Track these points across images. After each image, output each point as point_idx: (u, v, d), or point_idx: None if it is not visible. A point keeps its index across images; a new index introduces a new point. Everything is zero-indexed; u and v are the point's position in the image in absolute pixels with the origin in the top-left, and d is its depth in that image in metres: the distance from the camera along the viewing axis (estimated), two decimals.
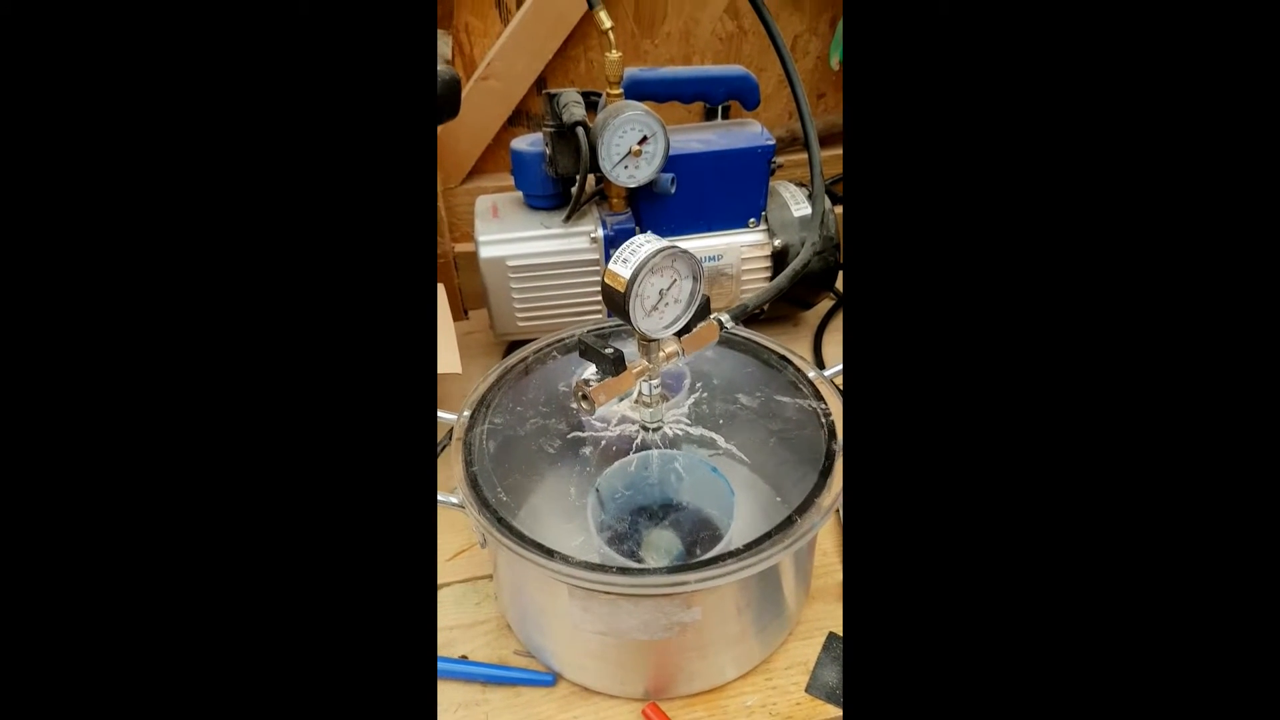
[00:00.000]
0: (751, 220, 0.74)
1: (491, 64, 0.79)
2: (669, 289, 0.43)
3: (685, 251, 0.42)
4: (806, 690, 0.47)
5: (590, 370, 0.45)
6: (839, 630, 0.51)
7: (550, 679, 0.48)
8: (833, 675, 0.48)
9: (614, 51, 0.63)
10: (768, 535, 0.40)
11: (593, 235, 0.69)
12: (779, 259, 0.74)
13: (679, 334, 0.46)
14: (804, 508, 0.41)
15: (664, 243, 0.42)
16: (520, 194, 0.73)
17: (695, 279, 0.44)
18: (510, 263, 0.69)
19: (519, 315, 0.72)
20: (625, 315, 0.42)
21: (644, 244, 0.42)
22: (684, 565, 0.40)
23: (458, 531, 0.59)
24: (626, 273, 0.41)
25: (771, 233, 0.74)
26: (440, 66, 0.65)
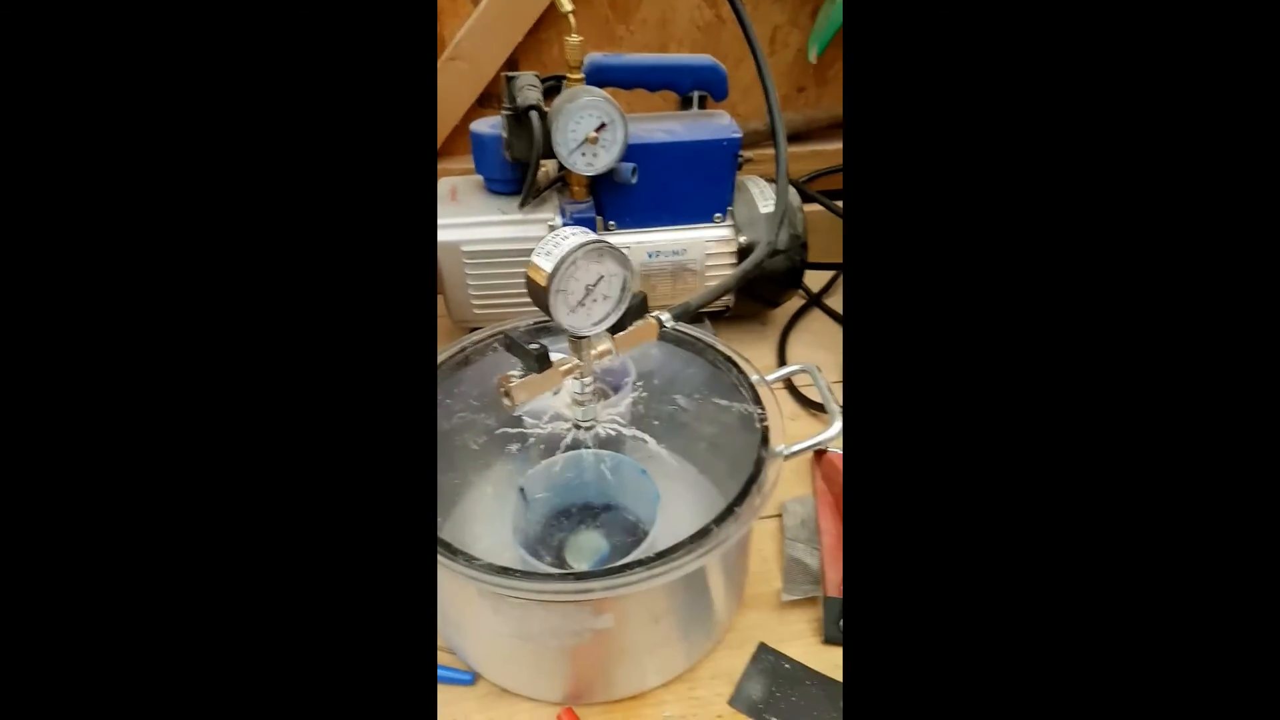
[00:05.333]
0: (717, 215, 0.72)
1: (460, 44, 0.77)
2: (596, 285, 0.42)
3: (613, 246, 0.41)
4: (730, 703, 0.46)
5: (519, 366, 0.43)
6: (770, 641, 0.49)
7: (469, 678, 0.47)
8: (757, 688, 0.47)
9: (574, 35, 0.61)
10: (680, 544, 0.38)
11: (551, 223, 0.68)
12: (745, 255, 0.72)
13: (613, 331, 0.45)
14: (722, 517, 0.40)
15: (590, 236, 0.40)
16: (481, 178, 0.72)
17: (625, 275, 0.42)
18: (465, 248, 0.67)
19: (475, 302, 0.71)
20: (547, 310, 0.40)
21: (569, 236, 0.40)
22: (590, 572, 0.38)
23: None
24: (548, 266, 0.39)
25: (738, 228, 0.72)
26: None
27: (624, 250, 0.41)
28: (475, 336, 0.55)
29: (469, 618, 0.44)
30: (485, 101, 0.81)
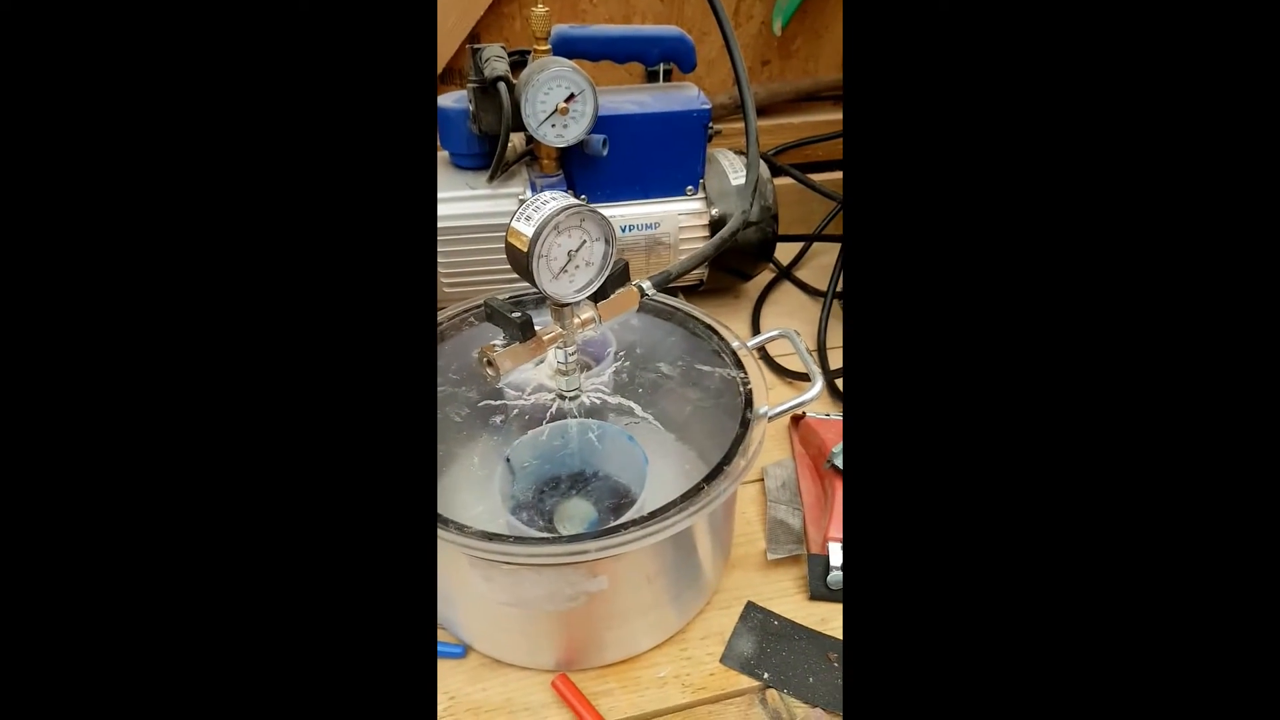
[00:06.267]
0: (689, 188, 0.72)
1: None
2: (578, 250, 0.41)
3: (595, 211, 0.41)
4: (721, 661, 0.47)
5: (500, 335, 0.43)
6: (758, 600, 0.50)
7: (460, 650, 0.47)
8: (748, 646, 0.48)
9: (540, 6, 0.60)
10: (672, 503, 0.39)
11: (521, 197, 0.67)
12: (717, 228, 0.73)
13: (596, 299, 0.45)
14: (712, 476, 0.40)
15: (571, 200, 0.40)
16: (446, 154, 0.71)
17: (607, 241, 0.42)
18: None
19: (445, 280, 0.70)
20: (529, 277, 0.40)
21: (549, 201, 0.40)
22: (584, 534, 0.38)
23: None
24: (530, 231, 0.39)
25: (709, 201, 0.72)
26: None
27: None
28: (449, 312, 0.54)
29: (459, 589, 0.44)
30: (447, 78, 0.80)
